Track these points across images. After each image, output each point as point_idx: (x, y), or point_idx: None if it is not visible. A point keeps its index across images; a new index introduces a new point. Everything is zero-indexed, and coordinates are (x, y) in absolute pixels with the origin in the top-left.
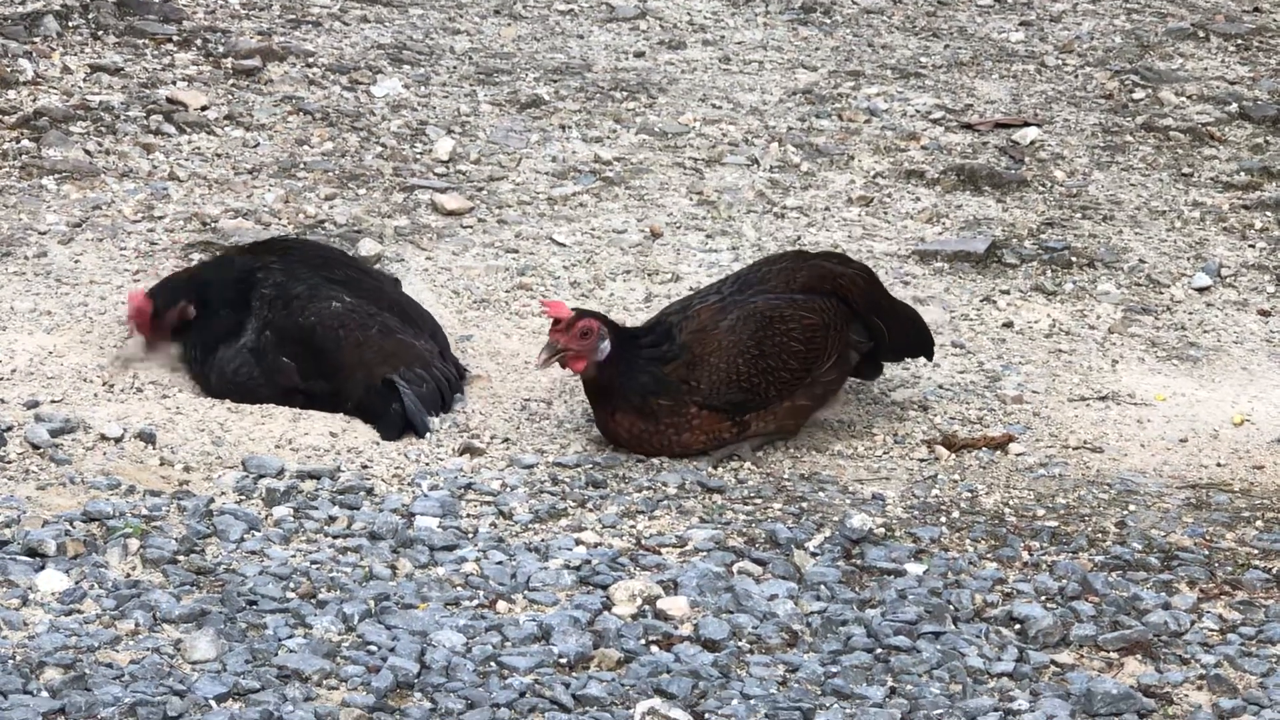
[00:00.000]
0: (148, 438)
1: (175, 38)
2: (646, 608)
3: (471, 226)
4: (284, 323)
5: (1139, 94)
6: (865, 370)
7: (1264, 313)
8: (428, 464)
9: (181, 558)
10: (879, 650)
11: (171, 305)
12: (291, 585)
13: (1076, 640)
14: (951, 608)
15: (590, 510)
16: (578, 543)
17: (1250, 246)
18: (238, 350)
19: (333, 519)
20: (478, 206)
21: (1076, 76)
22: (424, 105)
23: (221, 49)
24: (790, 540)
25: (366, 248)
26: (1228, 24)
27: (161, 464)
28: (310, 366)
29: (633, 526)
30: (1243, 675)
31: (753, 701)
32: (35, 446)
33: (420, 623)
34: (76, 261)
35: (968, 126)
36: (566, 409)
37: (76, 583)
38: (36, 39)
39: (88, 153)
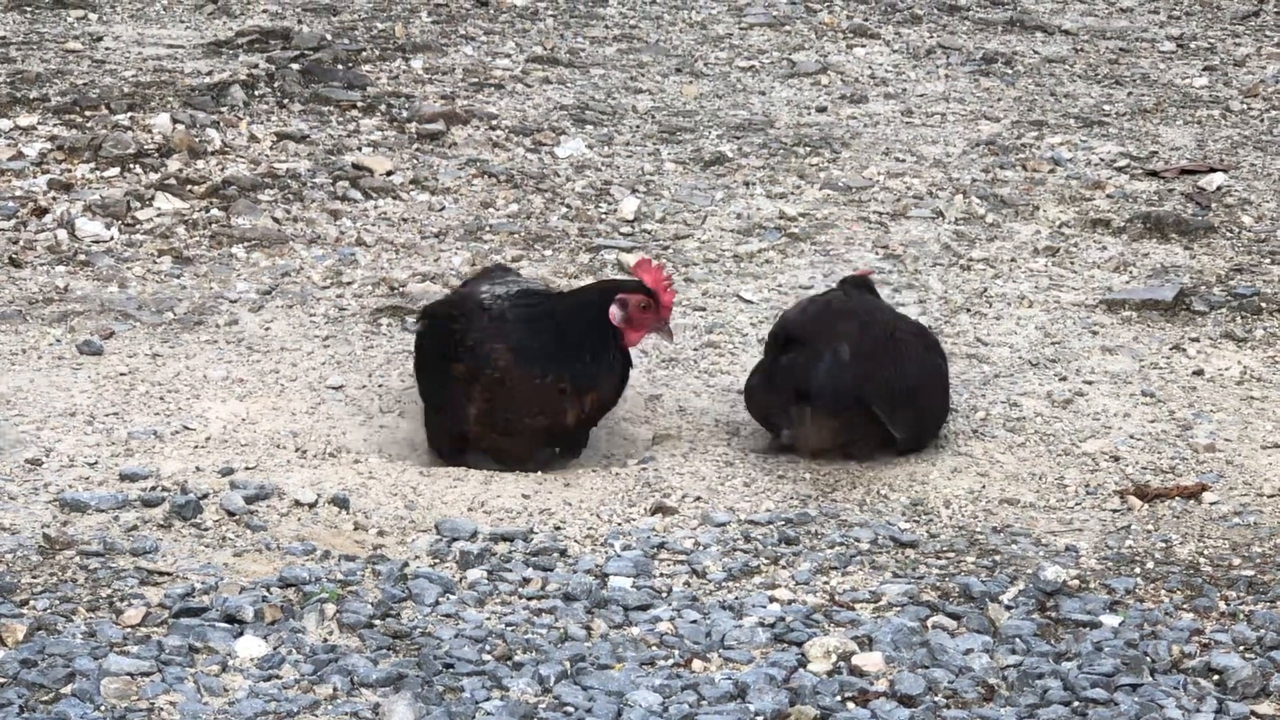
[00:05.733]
0: (341, 503)
1: (359, 104)
2: (841, 664)
3: None
4: None
5: None
6: None
7: None
8: (620, 524)
9: (378, 622)
10: (1076, 703)
11: None
12: (487, 648)
13: (1276, 691)
14: (1148, 659)
15: (783, 567)
16: (771, 600)
17: None
18: None
19: (527, 581)
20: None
21: (1262, 121)
22: (608, 165)
23: (405, 114)
24: (984, 594)
25: None
26: None
27: (355, 529)
28: None
29: (826, 583)
30: None
31: None
32: (231, 513)
33: (616, 683)
34: (267, 329)
35: (1153, 174)
36: (756, 466)
37: (275, 648)
38: (224, 109)
39: (276, 220)
